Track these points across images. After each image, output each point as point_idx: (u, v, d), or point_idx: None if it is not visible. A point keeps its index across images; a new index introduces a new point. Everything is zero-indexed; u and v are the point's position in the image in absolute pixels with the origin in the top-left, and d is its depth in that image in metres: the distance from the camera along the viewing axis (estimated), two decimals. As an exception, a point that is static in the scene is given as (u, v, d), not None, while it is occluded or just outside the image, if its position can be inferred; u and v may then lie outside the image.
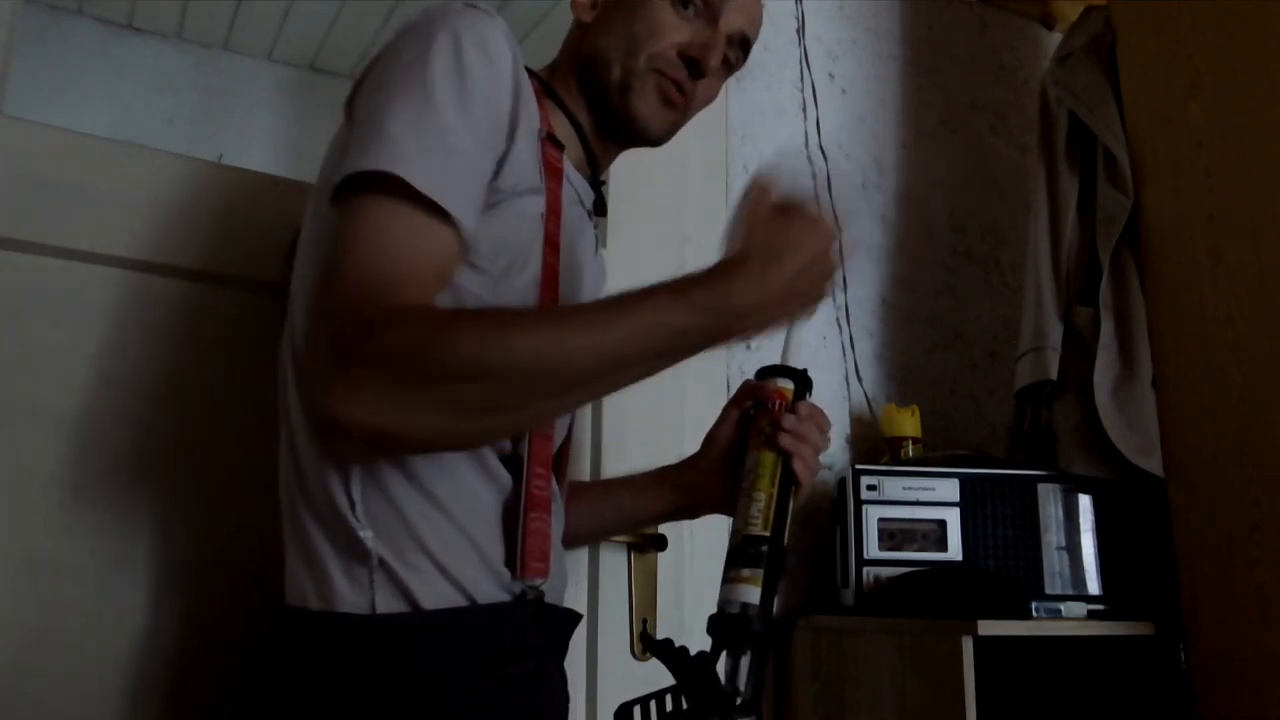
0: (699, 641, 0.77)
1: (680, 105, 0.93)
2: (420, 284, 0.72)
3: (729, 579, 0.78)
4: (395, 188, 0.72)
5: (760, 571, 0.77)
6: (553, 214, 0.86)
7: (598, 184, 0.99)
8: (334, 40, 2.87)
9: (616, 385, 0.75)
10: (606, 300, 0.75)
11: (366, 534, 0.76)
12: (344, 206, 0.74)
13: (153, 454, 1.01)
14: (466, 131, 0.76)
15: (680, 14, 0.91)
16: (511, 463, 0.83)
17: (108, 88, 2.71)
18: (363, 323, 0.68)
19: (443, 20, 0.79)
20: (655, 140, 0.96)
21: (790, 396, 0.89)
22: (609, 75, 0.92)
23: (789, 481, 0.83)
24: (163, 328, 1.03)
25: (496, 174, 0.79)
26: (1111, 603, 1.41)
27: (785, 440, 0.84)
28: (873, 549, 1.37)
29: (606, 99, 0.93)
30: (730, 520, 0.84)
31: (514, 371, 0.69)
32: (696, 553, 1.39)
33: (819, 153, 1.70)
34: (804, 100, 1.71)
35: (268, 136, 2.86)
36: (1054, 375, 1.48)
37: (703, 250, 1.52)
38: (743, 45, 0.96)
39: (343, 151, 0.77)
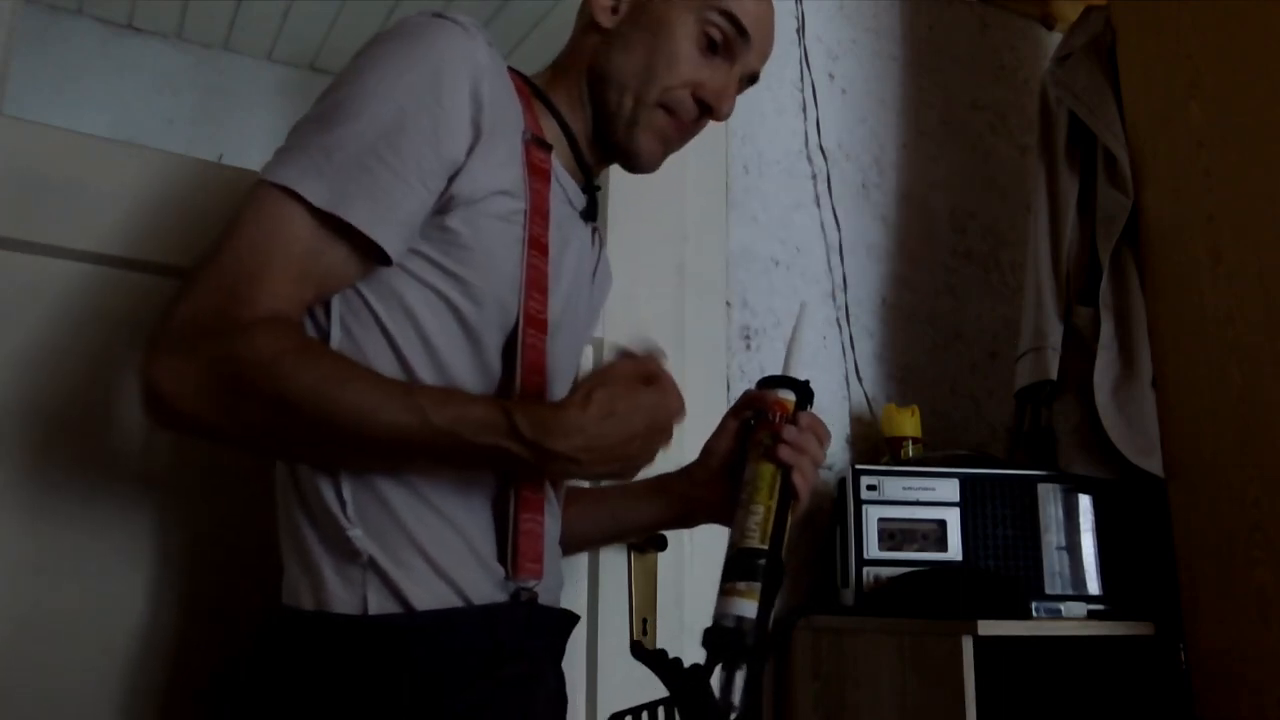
0: (699, 642, 0.77)
1: (677, 141, 0.95)
2: (288, 286, 0.74)
3: (725, 591, 0.78)
4: (301, 199, 0.74)
5: (756, 585, 0.77)
6: (538, 215, 0.85)
7: (591, 188, 0.98)
8: (334, 40, 2.87)
9: (414, 466, 0.78)
10: (443, 391, 0.77)
11: (356, 533, 0.76)
12: (252, 195, 0.76)
13: (153, 452, 1.01)
14: (393, 150, 0.76)
15: (702, 52, 0.91)
16: None
17: (108, 88, 2.71)
18: (216, 316, 0.71)
19: (401, 32, 0.80)
20: (644, 171, 0.97)
21: (791, 408, 0.88)
22: (620, 102, 0.91)
23: (787, 495, 0.83)
24: (162, 328, 1.03)
25: (449, 183, 0.79)
26: (1111, 603, 1.41)
27: (785, 453, 0.84)
28: (873, 549, 1.37)
29: (610, 125, 0.92)
30: (728, 530, 0.84)
31: (321, 419, 0.71)
32: (696, 553, 1.39)
33: (819, 153, 1.70)
34: (804, 100, 1.71)
35: (268, 136, 2.85)
36: (1054, 375, 1.48)
37: (702, 250, 1.52)
38: (750, 80, 0.97)
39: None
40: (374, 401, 0.71)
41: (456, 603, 0.77)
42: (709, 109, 0.92)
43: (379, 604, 0.75)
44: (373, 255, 0.77)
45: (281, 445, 0.77)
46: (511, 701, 0.79)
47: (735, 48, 0.92)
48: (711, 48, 0.91)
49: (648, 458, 0.80)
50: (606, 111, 0.92)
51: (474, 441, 0.73)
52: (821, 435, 0.88)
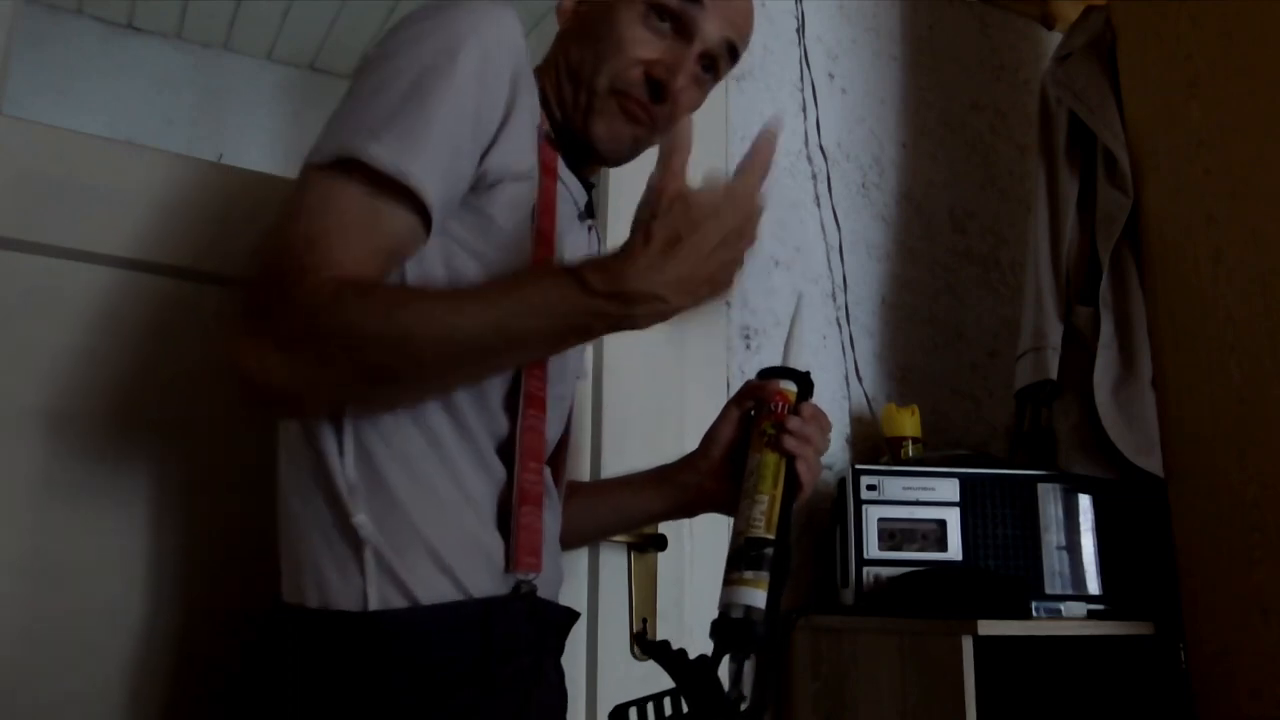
0: (699, 642, 0.76)
1: (644, 122, 0.91)
2: (353, 256, 0.72)
3: (731, 581, 0.77)
4: (355, 168, 0.73)
5: (764, 574, 0.76)
6: (546, 210, 0.86)
7: (588, 186, 0.98)
8: (334, 40, 2.87)
9: (504, 363, 0.77)
10: (502, 279, 0.75)
11: (360, 519, 0.76)
12: (305, 176, 0.75)
13: (152, 452, 1.01)
14: (445, 118, 0.75)
15: (652, 29, 0.89)
16: (506, 454, 0.83)
17: (108, 88, 2.71)
18: (276, 283, 0.71)
19: (445, 8, 0.80)
20: (615, 162, 0.95)
21: (793, 399, 0.88)
22: (576, 95, 0.91)
23: (793, 484, 0.83)
24: (162, 327, 1.03)
25: (483, 159, 0.79)
26: (1111, 603, 1.41)
27: (790, 443, 0.84)
28: (873, 549, 1.37)
29: (571, 118, 0.92)
30: (731, 521, 0.84)
31: (397, 342, 0.70)
32: (697, 553, 1.39)
33: (819, 153, 1.70)
34: (804, 100, 1.71)
35: (268, 136, 2.86)
36: (1054, 375, 1.48)
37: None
38: (729, 52, 0.93)
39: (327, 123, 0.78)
40: (446, 311, 0.70)
41: (456, 596, 0.77)
42: (660, 86, 0.88)
43: (379, 597, 0.75)
44: (424, 220, 0.76)
45: (370, 386, 0.75)
46: (511, 696, 0.79)
47: (689, 18, 0.89)
48: (661, 21, 0.89)
49: (734, 265, 0.75)
50: (566, 106, 0.92)
51: (555, 317, 0.71)
52: (824, 425, 0.88)
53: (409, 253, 0.77)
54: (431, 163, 0.74)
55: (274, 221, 0.75)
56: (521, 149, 0.83)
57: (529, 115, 0.84)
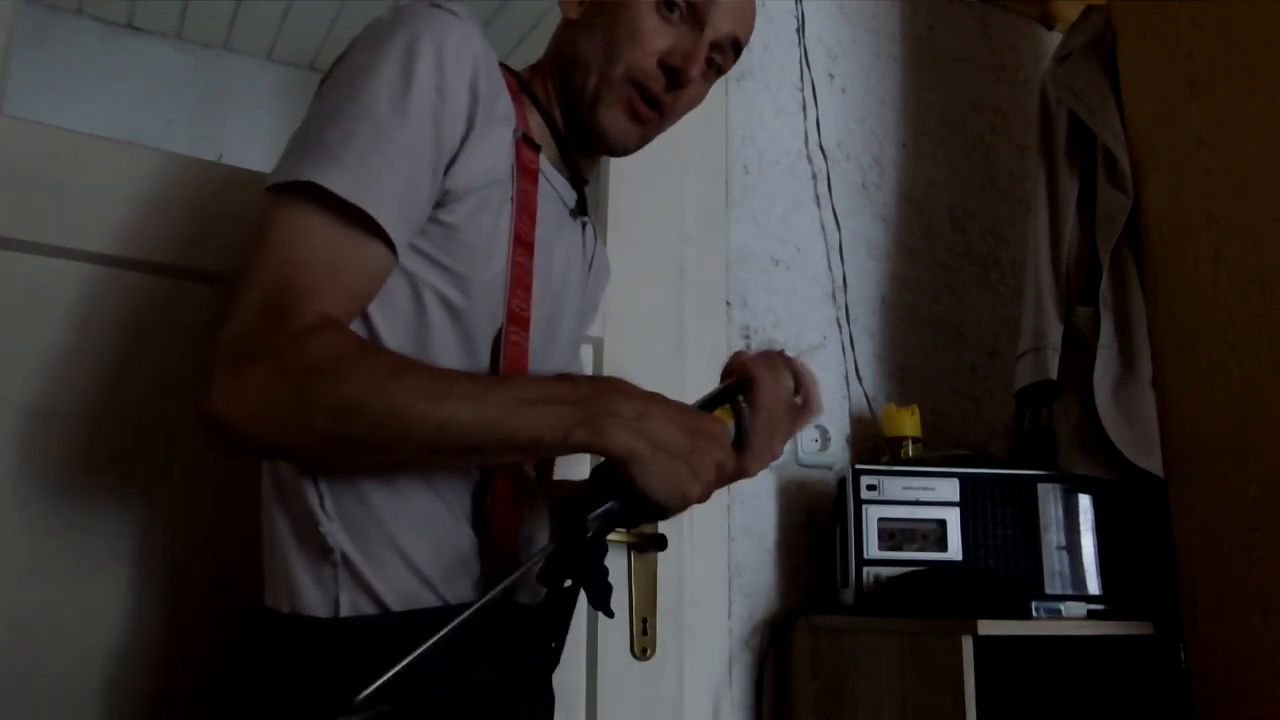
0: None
1: (649, 119, 0.92)
2: (333, 297, 0.72)
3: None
4: (321, 197, 0.72)
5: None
6: (525, 213, 0.85)
7: (580, 183, 0.98)
8: (334, 40, 2.87)
9: (491, 460, 0.78)
10: (523, 384, 0.75)
11: (329, 527, 0.75)
12: (271, 206, 0.74)
13: (143, 453, 1.01)
14: (403, 142, 0.75)
15: (664, 18, 0.89)
16: None
17: (108, 88, 2.71)
18: (266, 331, 0.69)
19: (401, 22, 0.80)
20: (620, 153, 0.95)
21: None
22: (585, 82, 0.90)
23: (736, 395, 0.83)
24: (158, 327, 1.03)
25: (445, 175, 0.79)
26: (1111, 603, 1.41)
27: (741, 361, 0.84)
28: (873, 549, 1.37)
29: (577, 107, 0.92)
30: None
31: (390, 428, 0.69)
32: (696, 553, 1.39)
33: (819, 152, 1.70)
34: (804, 100, 1.71)
35: (268, 136, 2.86)
36: (1054, 375, 1.48)
37: (703, 250, 1.52)
38: (733, 47, 0.94)
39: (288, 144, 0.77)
40: (448, 403, 0.69)
41: (431, 601, 0.77)
42: (676, 74, 0.89)
43: (351, 603, 0.75)
44: (391, 248, 0.76)
45: (351, 453, 0.73)
46: (492, 702, 0.79)
47: (700, 9, 0.90)
48: (672, 11, 0.89)
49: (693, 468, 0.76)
50: (574, 95, 0.92)
51: (547, 441, 0.72)
52: (796, 368, 0.86)
53: (383, 280, 0.77)
54: (390, 191, 0.74)
55: (247, 251, 0.74)
56: (491, 158, 0.82)
57: (499, 122, 0.83)
